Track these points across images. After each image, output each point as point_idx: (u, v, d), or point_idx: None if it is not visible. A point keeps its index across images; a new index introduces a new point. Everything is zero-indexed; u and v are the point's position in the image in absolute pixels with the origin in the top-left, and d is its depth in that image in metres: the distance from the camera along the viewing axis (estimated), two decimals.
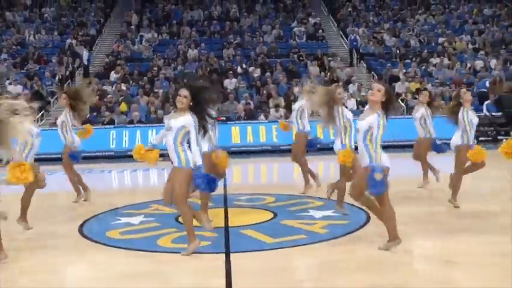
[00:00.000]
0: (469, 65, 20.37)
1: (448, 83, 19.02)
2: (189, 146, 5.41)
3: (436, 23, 24.62)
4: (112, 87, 18.63)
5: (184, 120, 5.35)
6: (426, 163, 8.79)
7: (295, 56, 21.33)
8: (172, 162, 5.46)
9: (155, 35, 23.20)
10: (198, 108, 5.41)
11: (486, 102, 17.09)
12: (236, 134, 15.31)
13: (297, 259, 5.40)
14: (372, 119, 5.22)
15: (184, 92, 5.38)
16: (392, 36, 23.00)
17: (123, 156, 13.52)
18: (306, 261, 5.36)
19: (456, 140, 7.37)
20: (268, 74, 19.26)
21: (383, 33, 23.27)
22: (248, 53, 21.43)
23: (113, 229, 6.63)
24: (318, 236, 6.02)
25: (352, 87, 18.42)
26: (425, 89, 9.78)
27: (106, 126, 15.68)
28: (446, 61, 20.66)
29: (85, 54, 20.88)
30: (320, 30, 23.87)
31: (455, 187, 7.32)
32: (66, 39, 22.65)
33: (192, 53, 21.28)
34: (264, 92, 18.11)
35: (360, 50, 22.04)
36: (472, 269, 4.87)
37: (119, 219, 7.14)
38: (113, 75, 19.62)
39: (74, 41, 22.20)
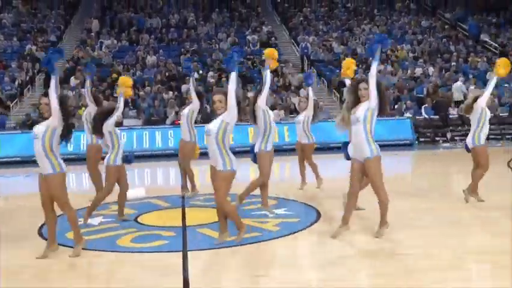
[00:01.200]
0: (409, 71, 20.92)
1: (391, 88, 19.47)
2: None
3: (380, 32, 25.20)
4: (72, 92, 18.18)
5: (47, 124, 5.25)
6: (304, 166, 8.82)
7: (250, 62, 21.39)
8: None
9: (115, 41, 22.81)
10: (63, 115, 5.27)
11: (424, 106, 17.59)
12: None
13: (251, 255, 5.41)
14: (219, 122, 5.36)
15: (45, 100, 5.30)
16: (340, 44, 23.40)
17: (82, 159, 13.17)
18: (260, 257, 5.37)
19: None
20: (224, 79, 19.23)
21: (332, 41, 23.64)
22: (204, 60, 21.34)
23: None
24: (271, 234, 6.04)
25: (303, 92, 18.58)
26: (303, 97, 9.82)
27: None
28: (389, 68, 21.16)
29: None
30: (273, 38, 24.03)
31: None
32: (26, 44, 21.97)
33: (151, 59, 21.03)
34: None
35: (311, 57, 22.30)
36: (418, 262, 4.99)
37: (79, 221, 6.94)
38: (73, 81, 19.15)
39: (34, 47, 21.56)
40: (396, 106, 18.00)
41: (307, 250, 5.48)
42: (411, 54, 22.82)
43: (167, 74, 19.79)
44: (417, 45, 23.58)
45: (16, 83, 19.10)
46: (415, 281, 4.46)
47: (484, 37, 24.65)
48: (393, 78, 20.34)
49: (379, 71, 20.71)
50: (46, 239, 6.04)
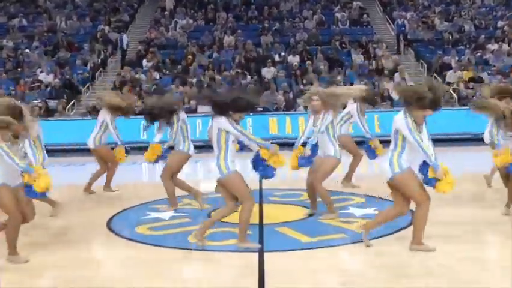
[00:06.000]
0: None
1: (507, 71, 18.43)
2: None
3: (495, 4, 23.95)
4: (145, 75, 18.81)
5: None
6: None
7: (338, 43, 21.12)
8: None
9: (190, 21, 23.35)
10: None
11: None
12: (274, 125, 15.24)
13: (333, 260, 5.36)
14: None
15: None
16: (444, 20, 22.50)
17: None
18: (343, 262, 5.32)
19: None
20: (308, 62, 19.15)
21: (434, 18, 22.80)
22: (287, 40, 21.35)
23: (142, 224, 6.72)
24: (357, 236, 5.92)
25: (397, 77, 18.08)
26: None
27: (138, 116, 15.84)
28: (505, 47, 20.04)
29: (125, 38, 21.14)
30: (365, 15, 23.56)
31: None
32: (98, 25, 23.04)
33: (228, 39, 21.34)
34: (304, 81, 18.02)
35: (408, 36, 21.66)
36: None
37: (149, 214, 7.23)
38: (145, 63, 19.83)
39: (106, 27, 22.56)
40: None
41: (396, 255, 5.33)
42: None
43: (245, 55, 19.93)
44: None
45: (88, 66, 20.09)
46: None
47: None
48: (511, 60, 19.27)
49: (491, 51, 19.76)
50: (114, 232, 6.34)
